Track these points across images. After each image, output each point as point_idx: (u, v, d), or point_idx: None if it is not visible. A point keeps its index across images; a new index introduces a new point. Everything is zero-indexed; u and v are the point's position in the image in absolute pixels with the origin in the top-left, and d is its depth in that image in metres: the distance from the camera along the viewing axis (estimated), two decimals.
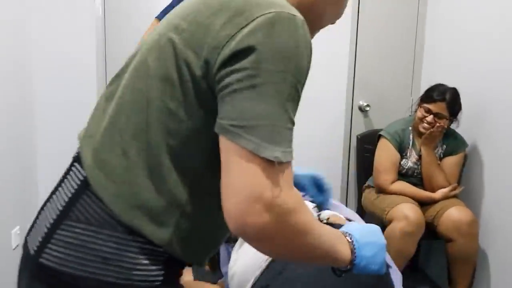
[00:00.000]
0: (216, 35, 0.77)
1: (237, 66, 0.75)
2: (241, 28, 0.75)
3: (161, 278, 0.85)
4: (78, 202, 0.85)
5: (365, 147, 3.09)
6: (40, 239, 0.86)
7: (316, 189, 1.51)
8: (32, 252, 0.87)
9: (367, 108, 3.30)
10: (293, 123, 0.78)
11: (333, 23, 1.00)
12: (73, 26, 2.86)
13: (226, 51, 0.75)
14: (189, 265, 0.94)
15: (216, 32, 0.77)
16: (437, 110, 2.56)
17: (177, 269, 0.91)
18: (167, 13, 0.92)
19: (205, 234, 0.91)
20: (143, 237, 0.83)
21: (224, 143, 0.75)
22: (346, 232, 0.93)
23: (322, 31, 1.01)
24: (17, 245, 2.62)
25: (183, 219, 0.85)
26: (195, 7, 0.82)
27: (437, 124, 2.56)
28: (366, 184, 2.92)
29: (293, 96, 0.76)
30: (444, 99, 2.53)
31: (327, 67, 3.16)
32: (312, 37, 0.89)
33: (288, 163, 0.78)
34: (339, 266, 0.93)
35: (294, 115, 0.78)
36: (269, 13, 0.76)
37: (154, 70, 0.82)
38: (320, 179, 1.49)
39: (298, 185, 1.44)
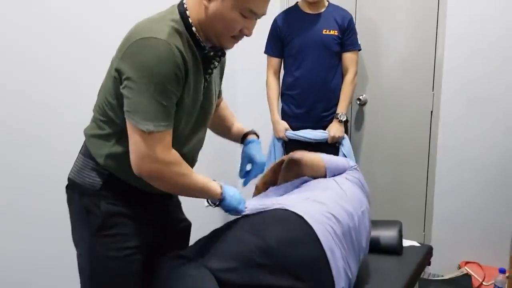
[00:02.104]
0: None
1: (122, 77, 1.28)
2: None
3: (99, 185, 1.42)
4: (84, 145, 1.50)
5: None
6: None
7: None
8: None
9: None
10: (163, 106, 1.26)
11: (246, 35, 1.40)
12: None
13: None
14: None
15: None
16: None
17: (118, 187, 1.42)
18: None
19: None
20: (94, 161, 1.43)
21: (126, 120, 1.30)
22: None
23: None
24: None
25: (115, 143, 1.40)
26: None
27: None
28: None
29: (159, 91, 1.25)
30: None
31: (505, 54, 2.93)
32: (220, 43, 1.40)
33: (162, 132, 1.28)
34: (212, 199, 1.46)
35: (166, 101, 1.27)
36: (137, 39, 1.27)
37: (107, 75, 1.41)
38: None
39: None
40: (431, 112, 3.18)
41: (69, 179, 1.50)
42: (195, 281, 1.33)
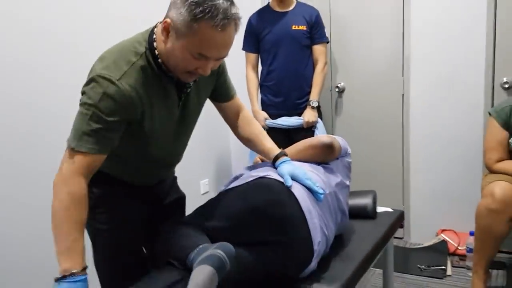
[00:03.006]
0: None
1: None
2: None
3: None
4: None
5: None
6: None
7: None
8: None
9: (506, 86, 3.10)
10: (95, 133, 1.35)
11: (202, 74, 1.43)
12: None
13: None
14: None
15: None
16: None
17: (104, 175, 1.58)
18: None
19: (122, 168, 1.63)
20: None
21: None
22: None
23: None
24: (205, 192, 3.54)
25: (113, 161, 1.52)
26: None
27: None
28: None
29: (95, 120, 1.35)
30: None
31: (463, 42, 3.18)
32: (177, 77, 1.46)
33: (82, 153, 1.35)
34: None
35: (99, 129, 1.36)
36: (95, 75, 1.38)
37: None
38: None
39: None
40: (402, 95, 3.45)
41: None
42: (191, 238, 1.56)
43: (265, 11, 3.26)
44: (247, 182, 1.74)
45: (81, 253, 1.29)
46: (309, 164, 1.88)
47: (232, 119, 1.86)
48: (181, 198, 1.95)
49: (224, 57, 1.42)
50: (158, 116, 1.51)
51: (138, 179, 1.71)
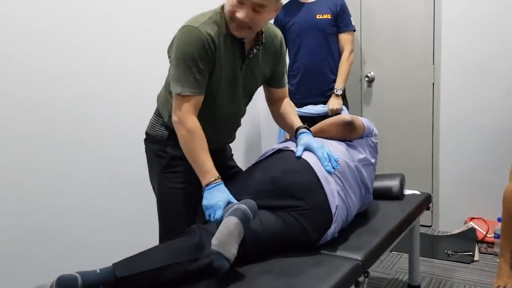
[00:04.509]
0: None
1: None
2: None
3: (166, 136, 1.84)
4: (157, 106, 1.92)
5: None
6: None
7: None
8: None
9: None
10: (190, 76, 1.64)
11: (239, 18, 1.64)
12: None
13: None
14: None
15: None
16: None
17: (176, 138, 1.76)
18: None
19: None
20: (162, 118, 1.84)
21: None
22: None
23: None
24: None
25: None
26: None
27: None
28: None
29: (187, 65, 1.63)
30: None
31: (496, 30, 3.20)
32: (231, 31, 1.70)
33: (188, 96, 1.65)
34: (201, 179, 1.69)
35: (192, 73, 1.64)
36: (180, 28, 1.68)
37: None
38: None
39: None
40: (433, 84, 3.49)
41: (146, 133, 1.93)
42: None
43: (291, 4, 3.35)
44: (266, 156, 1.91)
45: (212, 168, 1.68)
46: (332, 141, 1.97)
47: (274, 100, 2.05)
48: (237, 172, 2.03)
49: (258, 4, 1.61)
50: (224, 69, 1.74)
51: (207, 139, 1.81)
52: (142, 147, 1.95)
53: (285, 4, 3.42)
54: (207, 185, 1.65)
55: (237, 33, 1.70)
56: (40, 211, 2.20)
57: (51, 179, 2.25)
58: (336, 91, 3.22)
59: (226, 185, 1.70)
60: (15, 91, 2.10)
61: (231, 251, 1.45)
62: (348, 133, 2.03)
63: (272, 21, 3.36)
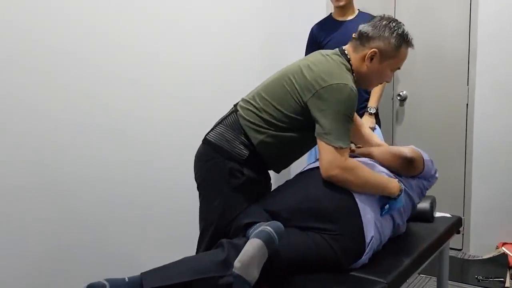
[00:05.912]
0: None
1: (317, 108, 1.78)
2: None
3: (246, 156, 1.83)
4: (228, 117, 1.93)
5: None
6: (212, 128, 1.94)
7: None
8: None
9: None
10: (347, 130, 1.75)
11: (387, 81, 2.01)
12: None
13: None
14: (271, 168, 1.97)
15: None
16: None
17: (257, 160, 1.85)
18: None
19: (280, 151, 1.88)
20: (245, 135, 1.84)
21: (318, 138, 1.75)
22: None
23: None
24: None
25: (270, 136, 1.84)
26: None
27: None
28: None
29: (347, 120, 1.74)
30: None
31: None
32: (366, 88, 2.06)
33: (347, 148, 1.73)
34: (389, 194, 1.81)
35: (349, 126, 1.76)
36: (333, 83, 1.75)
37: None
38: None
39: None
40: (467, 104, 3.43)
41: (214, 144, 1.87)
42: (253, 217, 1.72)
43: (327, 21, 3.36)
44: (302, 173, 1.93)
45: (392, 179, 1.86)
46: (387, 172, 1.96)
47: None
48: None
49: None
50: None
51: (283, 166, 1.99)
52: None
53: (321, 20, 3.44)
54: (400, 190, 1.83)
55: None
56: (78, 218, 2.26)
57: (89, 189, 2.31)
58: (370, 109, 3.21)
59: (264, 196, 1.79)
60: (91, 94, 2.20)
61: (253, 274, 1.46)
62: (404, 169, 2.03)
63: (307, 37, 3.44)
